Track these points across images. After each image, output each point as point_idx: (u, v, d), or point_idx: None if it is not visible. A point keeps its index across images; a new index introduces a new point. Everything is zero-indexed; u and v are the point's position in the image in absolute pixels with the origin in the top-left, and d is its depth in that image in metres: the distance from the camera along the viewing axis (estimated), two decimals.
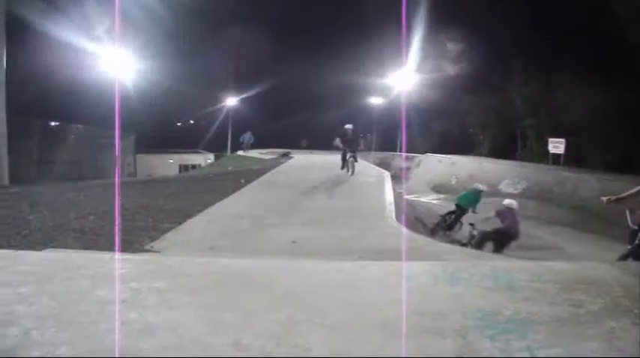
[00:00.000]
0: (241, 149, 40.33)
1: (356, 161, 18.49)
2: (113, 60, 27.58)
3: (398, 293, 3.64)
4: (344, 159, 18.63)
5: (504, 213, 13.90)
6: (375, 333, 3.00)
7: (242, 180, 15.71)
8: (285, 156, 33.94)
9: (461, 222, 16.29)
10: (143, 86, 34.64)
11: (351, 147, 18.37)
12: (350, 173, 17.91)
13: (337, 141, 18.55)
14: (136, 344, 2.72)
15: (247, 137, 39.51)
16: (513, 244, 13.25)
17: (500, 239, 13.34)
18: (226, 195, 12.62)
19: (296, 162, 26.75)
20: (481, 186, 17.87)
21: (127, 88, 30.43)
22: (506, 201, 14.44)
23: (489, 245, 13.41)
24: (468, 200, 16.77)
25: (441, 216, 16.99)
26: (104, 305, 3.31)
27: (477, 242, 13.75)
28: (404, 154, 40.96)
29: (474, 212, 16.13)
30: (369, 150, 42.81)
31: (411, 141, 45.85)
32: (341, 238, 8.41)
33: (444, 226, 16.56)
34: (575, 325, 3.13)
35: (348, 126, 18.75)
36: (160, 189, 13.53)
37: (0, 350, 2.63)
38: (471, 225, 15.22)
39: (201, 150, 55.13)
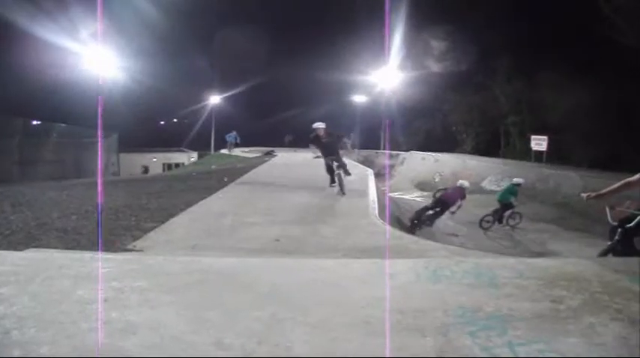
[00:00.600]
0: (226, 148, 40.37)
1: (346, 172, 14.31)
2: (96, 59, 27.45)
3: (380, 291, 3.66)
4: (331, 171, 14.27)
5: (451, 188, 18.09)
6: (358, 331, 3.01)
7: (225, 179, 15.69)
8: (269, 154, 34.04)
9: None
10: (126, 85, 34.58)
11: (330, 152, 14.25)
12: (341, 192, 13.64)
13: (313, 149, 14.78)
14: (117, 343, 2.72)
15: (233, 136, 39.58)
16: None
17: (440, 206, 16.81)
18: (209, 193, 12.60)
19: (279, 161, 26.81)
20: (516, 180, 19.32)
21: (109, 87, 30.34)
22: (460, 182, 18.14)
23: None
24: (507, 194, 18.46)
25: (490, 214, 18.34)
26: (86, 304, 3.30)
27: (419, 211, 17.10)
28: (387, 152, 41.08)
29: (515, 203, 18.32)
30: (354, 147, 42.91)
31: (395, 138, 46.06)
32: (324, 236, 8.41)
33: (491, 221, 18.28)
34: (555, 321, 3.16)
35: (319, 124, 14.25)
36: (143, 188, 13.48)
37: None
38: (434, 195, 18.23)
39: (185, 149, 55.03)
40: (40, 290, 3.61)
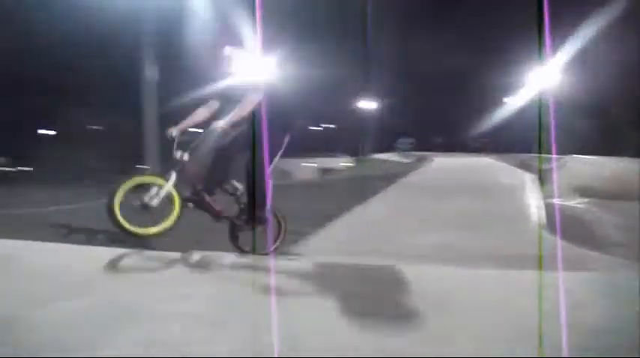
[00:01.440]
0: (396, 151, 40.70)
1: (258, 220, 6.21)
2: (250, 65, 28.41)
3: (549, 305, 3.51)
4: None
5: None
6: (527, 344, 2.91)
7: (380, 184, 15.76)
8: (424, 159, 33.82)
9: None
10: (283, 91, 35.56)
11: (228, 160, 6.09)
12: None
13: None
14: (292, 345, 2.81)
15: (407, 143, 39.90)
16: None
17: None
18: (365, 198, 12.68)
19: (435, 166, 26.59)
20: None
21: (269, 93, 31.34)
22: None
23: None
24: None
25: None
26: (259, 306, 3.46)
27: None
28: (554, 156, 39.55)
29: None
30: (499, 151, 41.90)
31: (554, 141, 44.12)
32: (483, 245, 8.23)
33: None
34: None
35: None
36: (301, 193, 13.81)
37: (161, 342, 2.83)
38: None
39: (339, 154, 55.80)
40: (213, 290, 3.82)
